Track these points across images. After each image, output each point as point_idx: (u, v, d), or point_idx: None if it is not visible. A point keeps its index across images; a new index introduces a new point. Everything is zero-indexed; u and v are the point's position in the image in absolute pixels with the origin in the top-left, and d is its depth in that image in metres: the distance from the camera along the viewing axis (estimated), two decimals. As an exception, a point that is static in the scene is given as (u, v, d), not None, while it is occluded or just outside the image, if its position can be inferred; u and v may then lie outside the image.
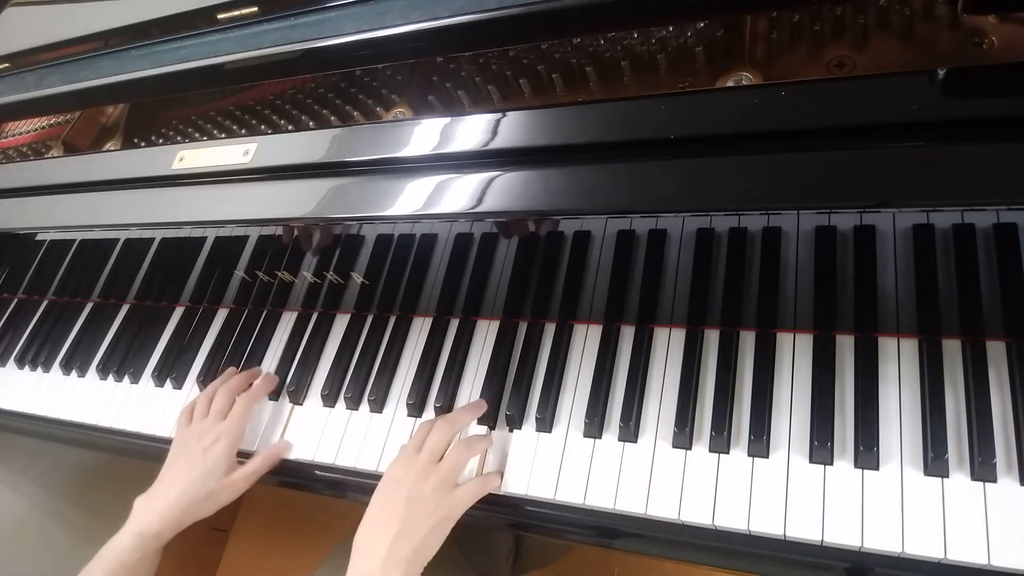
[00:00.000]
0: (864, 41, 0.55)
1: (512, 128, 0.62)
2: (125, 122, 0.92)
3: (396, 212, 0.65)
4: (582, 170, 0.59)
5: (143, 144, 0.87)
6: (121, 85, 0.87)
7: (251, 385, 0.85)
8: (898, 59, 0.53)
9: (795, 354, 0.66)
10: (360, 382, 0.82)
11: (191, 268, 0.98)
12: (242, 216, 0.74)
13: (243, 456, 0.80)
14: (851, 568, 0.58)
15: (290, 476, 0.82)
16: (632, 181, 0.57)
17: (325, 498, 0.83)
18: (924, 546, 0.55)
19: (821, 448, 0.60)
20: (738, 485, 0.61)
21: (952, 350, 0.61)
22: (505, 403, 0.74)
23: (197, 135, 0.83)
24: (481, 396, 0.75)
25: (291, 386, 0.85)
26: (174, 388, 0.93)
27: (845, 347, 0.64)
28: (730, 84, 0.57)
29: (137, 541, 0.71)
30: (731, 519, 0.60)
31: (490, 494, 0.69)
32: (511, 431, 0.72)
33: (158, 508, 0.73)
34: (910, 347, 0.63)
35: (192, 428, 0.80)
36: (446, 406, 0.76)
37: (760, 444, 0.62)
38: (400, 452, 0.70)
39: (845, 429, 0.61)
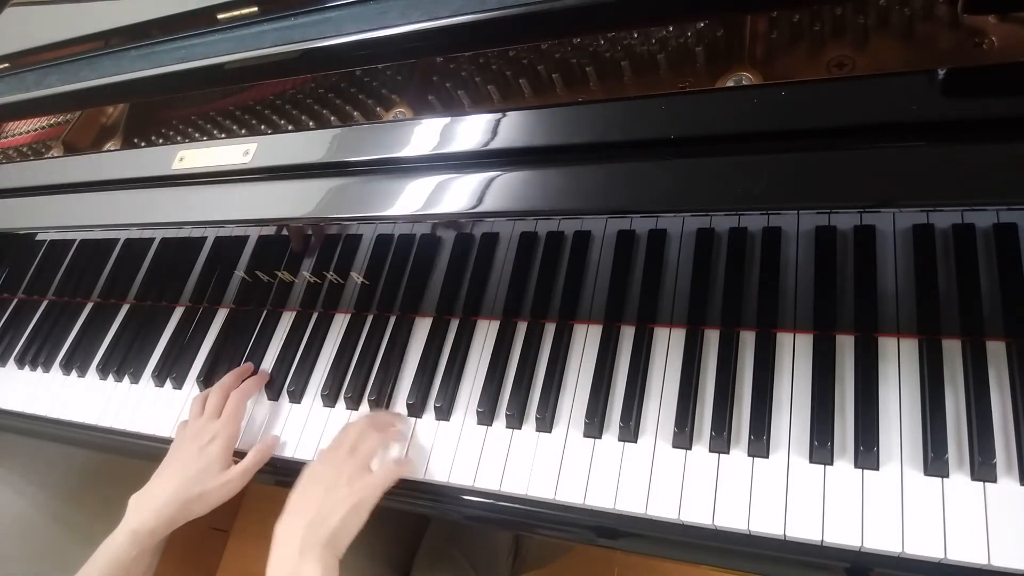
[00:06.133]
0: (864, 41, 0.55)
1: (512, 128, 0.62)
2: (125, 122, 0.92)
3: (396, 212, 0.65)
4: (582, 170, 0.59)
5: (143, 144, 0.87)
6: (121, 85, 0.87)
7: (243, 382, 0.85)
8: (898, 59, 0.53)
9: (795, 354, 0.66)
10: (360, 382, 0.82)
11: (191, 268, 0.98)
12: (242, 216, 0.74)
13: (239, 455, 0.80)
14: (851, 568, 0.58)
15: (290, 476, 0.82)
16: (632, 181, 0.57)
17: (325, 498, 0.82)
18: (924, 546, 0.55)
19: (821, 448, 0.60)
20: (738, 485, 0.61)
21: (952, 350, 0.61)
22: (505, 403, 0.74)
23: (197, 135, 0.83)
24: (481, 396, 0.75)
25: (291, 386, 0.85)
26: (174, 388, 0.93)
27: (845, 347, 0.64)
28: (730, 84, 0.57)
29: (132, 539, 0.72)
30: (731, 519, 0.60)
31: (491, 494, 0.69)
32: (511, 431, 0.72)
33: (153, 506, 0.73)
34: (910, 347, 0.63)
35: (188, 428, 0.81)
36: (446, 406, 0.76)
37: (760, 444, 0.62)
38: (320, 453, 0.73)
39: (845, 429, 0.61)
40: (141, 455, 0.90)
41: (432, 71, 0.73)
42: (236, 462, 0.79)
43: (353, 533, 0.66)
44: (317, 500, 0.66)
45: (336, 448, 0.72)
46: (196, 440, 0.78)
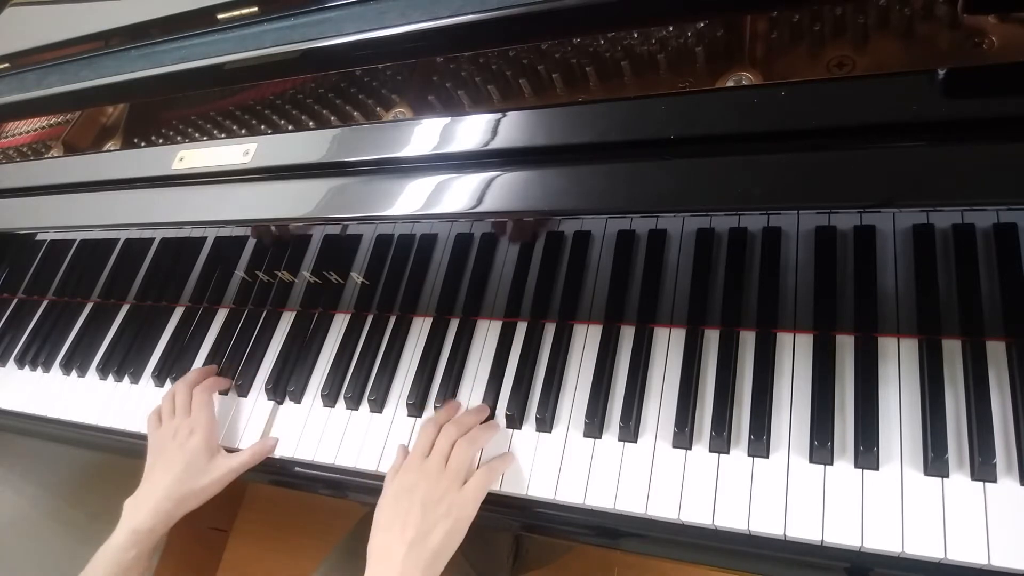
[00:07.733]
0: (864, 41, 0.55)
1: (512, 128, 0.62)
2: (125, 122, 0.92)
3: (396, 212, 0.65)
4: (582, 170, 0.59)
5: (143, 144, 0.87)
6: (121, 85, 0.87)
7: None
8: (898, 59, 0.53)
9: (795, 354, 0.66)
10: (360, 382, 0.82)
11: (191, 268, 0.98)
12: (242, 216, 0.74)
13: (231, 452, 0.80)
14: (851, 568, 0.58)
15: (290, 476, 0.82)
16: (632, 181, 0.57)
17: (325, 498, 0.83)
18: (924, 546, 0.55)
19: (821, 448, 0.60)
20: (738, 485, 0.61)
21: (952, 350, 0.61)
22: (505, 403, 0.74)
23: (197, 135, 0.83)
24: (482, 396, 0.75)
25: (291, 386, 0.85)
26: (174, 388, 0.93)
27: (845, 347, 0.64)
28: (730, 84, 0.57)
29: (132, 538, 0.72)
30: (731, 519, 0.60)
31: (491, 494, 0.69)
32: (511, 431, 0.72)
33: (149, 505, 0.74)
34: (910, 347, 0.63)
35: (163, 428, 0.82)
36: (446, 406, 0.76)
37: (760, 444, 0.62)
38: (406, 458, 0.70)
39: (845, 429, 0.61)
40: (141, 455, 0.90)
41: (432, 71, 0.73)
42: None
43: (452, 552, 0.64)
44: (416, 516, 0.63)
45: (427, 456, 0.68)
46: (175, 439, 0.79)
